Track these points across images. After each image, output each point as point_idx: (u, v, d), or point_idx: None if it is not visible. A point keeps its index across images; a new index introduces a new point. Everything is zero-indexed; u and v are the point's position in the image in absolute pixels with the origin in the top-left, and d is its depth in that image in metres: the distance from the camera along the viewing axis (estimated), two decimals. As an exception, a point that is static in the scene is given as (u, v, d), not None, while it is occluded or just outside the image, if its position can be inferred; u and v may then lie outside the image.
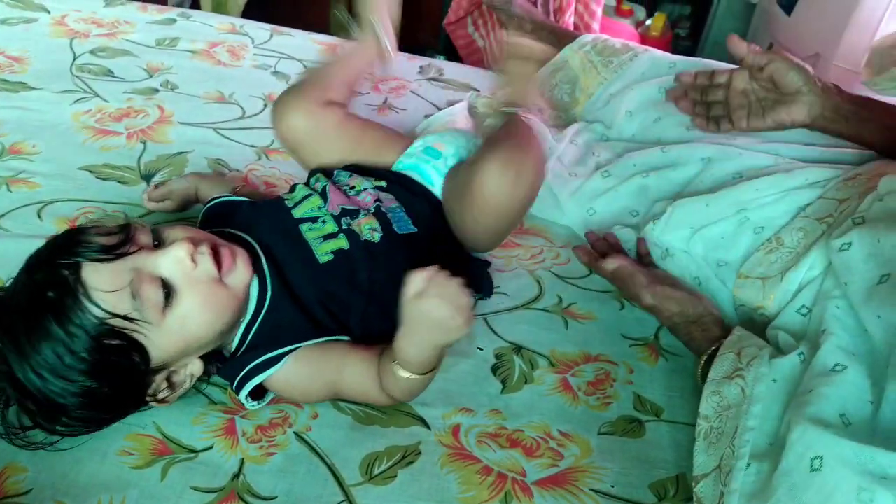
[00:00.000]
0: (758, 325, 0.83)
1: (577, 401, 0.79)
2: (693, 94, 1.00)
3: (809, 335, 0.73)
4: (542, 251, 1.00)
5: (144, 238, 0.67)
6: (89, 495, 0.63)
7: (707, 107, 0.99)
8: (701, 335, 0.80)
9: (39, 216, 0.94)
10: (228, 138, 1.15)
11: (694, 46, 2.59)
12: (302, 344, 0.71)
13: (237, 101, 1.25)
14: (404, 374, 0.68)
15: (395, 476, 0.68)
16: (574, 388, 0.80)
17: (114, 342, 0.62)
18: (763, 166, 0.94)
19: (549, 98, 1.26)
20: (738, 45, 0.92)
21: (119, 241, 0.65)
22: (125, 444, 0.68)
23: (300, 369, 0.71)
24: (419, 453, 0.71)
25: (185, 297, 0.66)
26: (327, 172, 0.90)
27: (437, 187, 0.91)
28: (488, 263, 0.94)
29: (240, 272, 0.71)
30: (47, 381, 0.62)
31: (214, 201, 0.87)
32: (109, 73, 1.27)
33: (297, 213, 0.82)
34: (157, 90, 1.24)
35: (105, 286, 0.62)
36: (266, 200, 0.88)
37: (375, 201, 0.84)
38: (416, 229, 0.83)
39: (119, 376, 0.64)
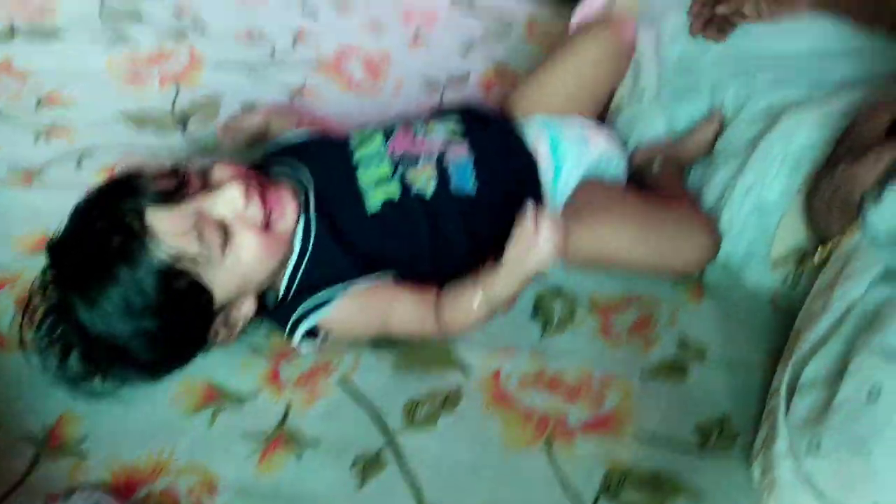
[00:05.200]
0: None
1: (619, 344, 0.78)
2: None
3: None
4: (582, 189, 0.97)
5: (196, 180, 0.68)
6: (143, 442, 0.66)
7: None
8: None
9: (79, 165, 0.95)
10: (259, 78, 1.13)
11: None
12: (350, 283, 0.72)
13: (266, 37, 1.22)
14: (482, 308, 0.71)
15: (437, 420, 0.69)
16: (615, 332, 0.79)
17: (181, 282, 0.64)
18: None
19: None
20: None
21: (176, 185, 0.66)
22: (175, 391, 0.70)
23: (350, 307, 0.72)
24: (460, 397, 0.71)
25: (240, 237, 0.67)
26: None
27: (539, 155, 0.86)
28: None
29: (286, 216, 0.72)
30: (116, 325, 0.64)
31: (279, 139, 0.87)
32: (139, 17, 1.25)
33: (357, 154, 0.80)
34: (185, 33, 1.21)
35: (172, 230, 0.63)
36: (333, 137, 0.86)
37: (440, 149, 0.81)
38: (473, 193, 0.79)
39: (185, 317, 0.66)
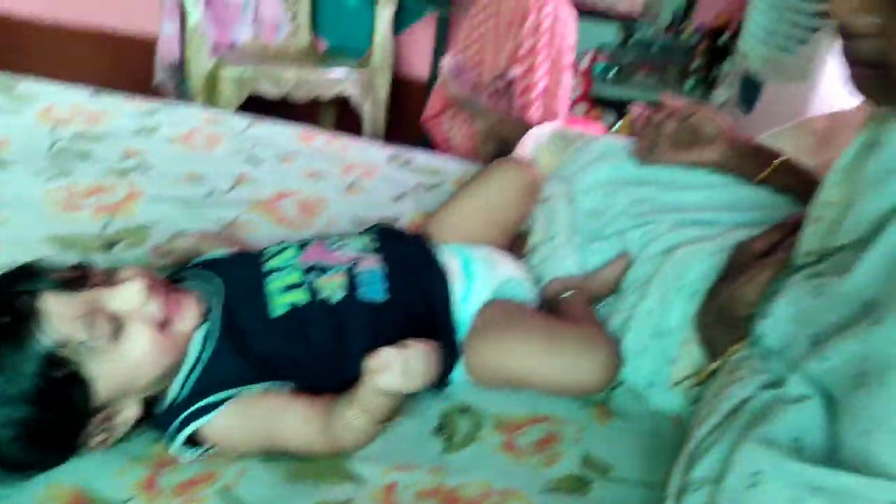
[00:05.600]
0: None
1: (522, 459, 0.75)
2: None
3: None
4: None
5: (99, 276, 0.69)
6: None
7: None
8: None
9: (-6, 280, 0.94)
10: (193, 212, 1.17)
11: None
12: (240, 389, 0.70)
13: (207, 181, 1.28)
14: (359, 421, 0.68)
15: (323, 533, 0.65)
16: (519, 447, 0.77)
17: (62, 372, 0.62)
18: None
19: None
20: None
21: (76, 275, 0.67)
22: (42, 494, 0.65)
23: (238, 415, 0.70)
24: (350, 511, 0.67)
25: (133, 333, 0.67)
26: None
27: (450, 272, 0.88)
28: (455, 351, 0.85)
29: (185, 319, 0.72)
30: None
31: (201, 257, 0.89)
32: (87, 156, 1.31)
33: (268, 265, 0.82)
34: (129, 171, 1.27)
35: (61, 315, 0.63)
36: (249, 252, 0.89)
37: (352, 260, 0.83)
38: (382, 301, 0.80)
39: (62, 407, 0.63)
